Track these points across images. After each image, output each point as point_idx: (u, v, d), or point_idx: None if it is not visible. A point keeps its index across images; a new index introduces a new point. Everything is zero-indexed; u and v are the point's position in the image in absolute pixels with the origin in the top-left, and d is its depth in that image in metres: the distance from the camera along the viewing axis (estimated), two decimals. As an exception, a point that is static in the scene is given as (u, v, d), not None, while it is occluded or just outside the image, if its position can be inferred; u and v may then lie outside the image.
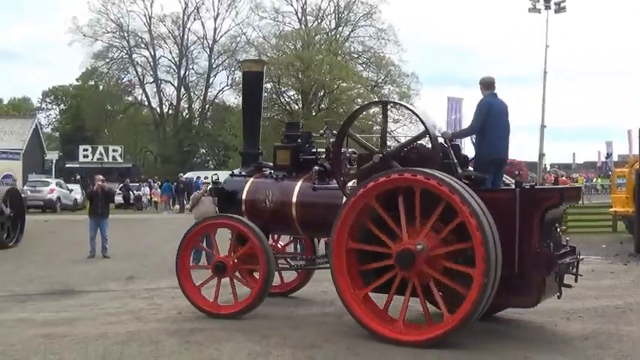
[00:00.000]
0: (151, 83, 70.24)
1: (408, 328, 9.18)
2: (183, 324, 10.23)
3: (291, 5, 65.79)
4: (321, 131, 11.54)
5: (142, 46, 69.06)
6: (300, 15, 66.15)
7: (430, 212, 8.94)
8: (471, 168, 10.15)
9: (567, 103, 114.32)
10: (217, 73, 69.37)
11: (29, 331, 9.83)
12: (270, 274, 10.62)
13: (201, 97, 70.56)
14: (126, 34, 67.90)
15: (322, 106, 61.63)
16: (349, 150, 10.88)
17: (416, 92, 61.28)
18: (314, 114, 60.64)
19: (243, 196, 11.47)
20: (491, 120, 9.92)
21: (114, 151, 65.49)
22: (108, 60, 68.77)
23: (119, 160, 65.40)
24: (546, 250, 8.98)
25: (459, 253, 9.05)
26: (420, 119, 9.81)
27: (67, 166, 65.44)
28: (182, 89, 69.99)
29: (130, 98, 72.91)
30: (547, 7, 49.45)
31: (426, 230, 8.95)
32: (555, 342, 9.23)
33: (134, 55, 68.99)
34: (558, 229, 9.77)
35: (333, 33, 65.02)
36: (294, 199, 10.95)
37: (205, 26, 68.92)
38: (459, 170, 9.55)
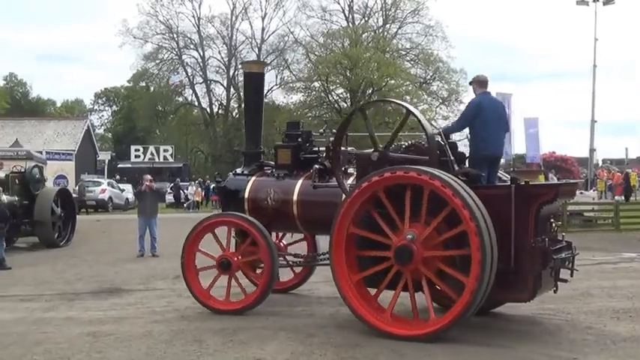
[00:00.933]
0: (200, 84, 70.71)
1: (395, 320, 9.39)
2: (227, 323, 10.26)
3: (338, 3, 65.75)
4: (321, 130, 11.91)
5: (192, 46, 69.49)
6: (347, 13, 66.06)
7: (431, 210, 9.05)
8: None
9: (618, 98, 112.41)
10: (266, 72, 69.50)
11: (76, 329, 9.96)
12: (274, 272, 10.83)
13: (251, 97, 70.79)
14: (175, 36, 68.38)
15: (371, 103, 61.48)
16: (348, 149, 11.06)
17: (465, 89, 60.68)
18: (362, 112, 60.48)
19: (246, 195, 11.67)
20: (483, 118, 10.11)
21: (165, 151, 66.13)
22: (158, 61, 69.32)
23: (170, 159, 66.01)
24: (541, 245, 9.03)
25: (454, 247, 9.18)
26: (417, 117, 9.93)
27: (118, 166, 66.29)
28: (231, 89, 70.24)
29: (181, 99, 73.45)
30: (595, 0, 48.58)
31: (428, 231, 9.06)
32: (604, 342, 9.06)
33: (184, 56, 69.49)
34: (554, 225, 9.85)
35: (380, 30, 64.76)
36: (295, 197, 11.14)
37: (253, 26, 69.24)
38: (456, 167, 9.70)
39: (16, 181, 20.87)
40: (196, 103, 71.73)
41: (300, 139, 11.76)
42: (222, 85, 70.89)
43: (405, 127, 10.77)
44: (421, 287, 9.28)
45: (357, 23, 64.98)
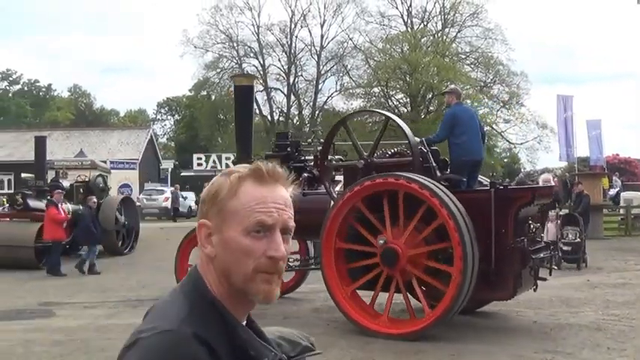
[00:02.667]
0: (261, 91, 71.01)
1: (392, 322, 9.87)
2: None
3: (397, 8, 65.42)
4: (309, 140, 12.63)
5: (252, 55, 69.82)
6: (405, 18, 65.72)
7: (412, 214, 9.59)
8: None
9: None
10: (326, 79, 69.28)
11: (138, 336, 10.06)
12: None
13: (311, 104, 70.85)
14: (235, 44, 68.78)
15: (431, 108, 61.07)
16: (335, 157, 11.66)
17: (525, 91, 59.93)
18: (423, 116, 60.12)
19: None
20: (462, 126, 10.74)
21: (227, 158, 66.37)
22: (219, 70, 69.83)
23: (232, 167, 66.30)
24: (520, 246, 9.49)
25: (440, 251, 9.74)
26: (400, 126, 10.49)
27: (181, 174, 66.98)
28: (292, 96, 70.43)
29: (242, 107, 73.87)
30: (657, -1, 47.42)
31: (409, 231, 9.56)
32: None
33: (244, 65, 69.86)
34: (532, 227, 10.30)
35: (439, 34, 64.30)
36: None
37: (312, 33, 69.22)
38: (438, 173, 10.25)
39: (81, 190, 21.25)
40: (257, 111, 72.08)
41: (289, 149, 12.43)
42: (282, 92, 71.08)
43: (392, 136, 11.14)
44: (412, 288, 9.82)
45: (415, 28, 64.62)
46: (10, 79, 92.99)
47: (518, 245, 9.53)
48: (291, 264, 12.84)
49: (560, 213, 18.41)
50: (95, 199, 19.94)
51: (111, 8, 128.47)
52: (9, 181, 48.11)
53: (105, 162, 38.91)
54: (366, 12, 65.71)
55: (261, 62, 69.48)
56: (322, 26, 68.10)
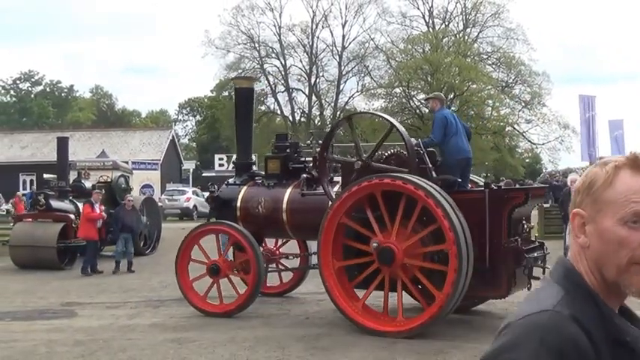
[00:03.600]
0: (282, 92, 71.11)
1: (388, 320, 10.17)
2: (310, 329, 10.27)
3: (418, 9, 65.32)
4: (308, 142, 13.12)
5: (273, 55, 69.86)
6: (427, 18, 65.58)
7: (410, 214, 9.89)
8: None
9: None
10: (347, 79, 69.28)
11: (160, 335, 10.08)
12: (259, 277, 11.59)
13: (332, 104, 70.80)
14: (257, 45, 68.90)
15: (453, 108, 60.81)
16: (335, 157, 11.91)
17: (547, 91, 59.55)
18: (444, 117, 59.95)
19: (238, 204, 12.57)
20: (451, 127, 11.02)
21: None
22: (240, 71, 69.81)
23: (254, 168, 66.41)
24: (514, 245, 9.82)
25: (435, 252, 10.07)
26: (397, 128, 10.72)
27: (203, 175, 67.13)
28: (313, 97, 70.45)
29: (263, 107, 73.98)
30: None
31: (408, 231, 9.94)
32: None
33: (265, 65, 69.97)
34: (526, 227, 10.69)
35: (461, 34, 64.12)
36: (284, 205, 12.04)
37: (334, 34, 69.20)
38: (434, 174, 10.45)
39: (103, 190, 21.27)
40: (278, 112, 72.16)
41: (288, 150, 12.72)
42: (303, 93, 71.14)
43: (390, 137, 11.35)
44: (407, 287, 10.14)
45: (437, 28, 64.48)
46: (33, 80, 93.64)
47: (511, 245, 9.82)
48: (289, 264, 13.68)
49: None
50: (132, 198, 20.09)
51: (133, 9, 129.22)
52: (31, 181, 48.50)
53: (127, 162, 38.98)
54: (387, 12, 65.70)
55: (283, 63, 69.56)
56: (343, 27, 68.10)
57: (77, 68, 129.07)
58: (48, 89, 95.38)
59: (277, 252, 13.92)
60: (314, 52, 69.24)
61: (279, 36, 68.69)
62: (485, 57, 63.65)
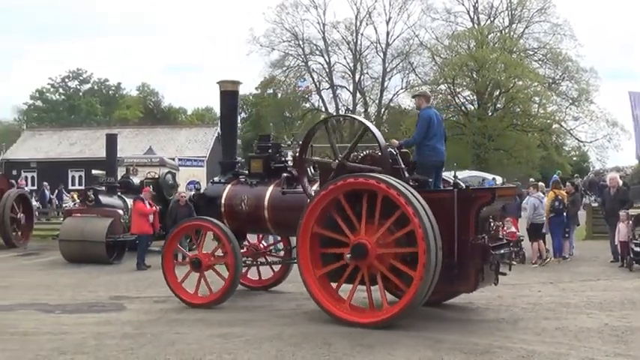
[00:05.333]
0: (327, 89, 71.17)
1: (353, 309, 10.66)
2: (354, 326, 10.27)
3: (463, 5, 64.98)
4: (289, 142, 13.70)
5: (317, 53, 69.99)
6: (472, 14, 65.19)
7: (387, 212, 10.30)
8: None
9: None
10: (392, 76, 69.14)
11: (207, 331, 10.19)
12: (237, 271, 12.21)
13: (377, 101, 70.69)
14: (301, 43, 69.05)
15: (498, 105, 60.41)
16: (313, 158, 12.28)
17: (595, 88, 58.77)
18: (490, 114, 59.49)
19: (222, 201, 13.26)
20: (432, 129, 11.31)
21: (290, 156, 66.68)
22: (285, 68, 70.16)
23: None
24: (481, 242, 10.22)
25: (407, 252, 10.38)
26: (371, 130, 11.11)
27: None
28: (357, 94, 70.38)
29: (308, 104, 74.12)
30: None
31: (383, 229, 10.32)
32: None
33: (310, 62, 70.08)
34: (493, 224, 11.08)
35: (506, 30, 63.48)
36: (265, 203, 12.62)
37: (378, 30, 69.12)
38: (407, 174, 10.85)
39: (150, 186, 21.50)
40: (323, 109, 72.22)
41: (270, 151, 13.36)
42: (348, 90, 71.16)
43: (366, 139, 11.83)
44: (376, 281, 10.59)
45: (482, 24, 64.00)
46: (81, 78, 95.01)
47: (479, 242, 10.23)
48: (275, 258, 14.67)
49: (632, 213, 17.94)
50: (184, 194, 20.33)
51: (179, 8, 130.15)
52: (80, 177, 49.22)
53: (173, 159, 39.39)
54: (431, 9, 65.50)
55: (327, 60, 69.66)
56: (388, 23, 67.98)
57: (124, 66, 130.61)
58: (96, 87, 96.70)
59: (262, 247, 14.77)
60: (358, 49, 69.21)
61: (324, 33, 68.83)
62: (531, 53, 63.02)
